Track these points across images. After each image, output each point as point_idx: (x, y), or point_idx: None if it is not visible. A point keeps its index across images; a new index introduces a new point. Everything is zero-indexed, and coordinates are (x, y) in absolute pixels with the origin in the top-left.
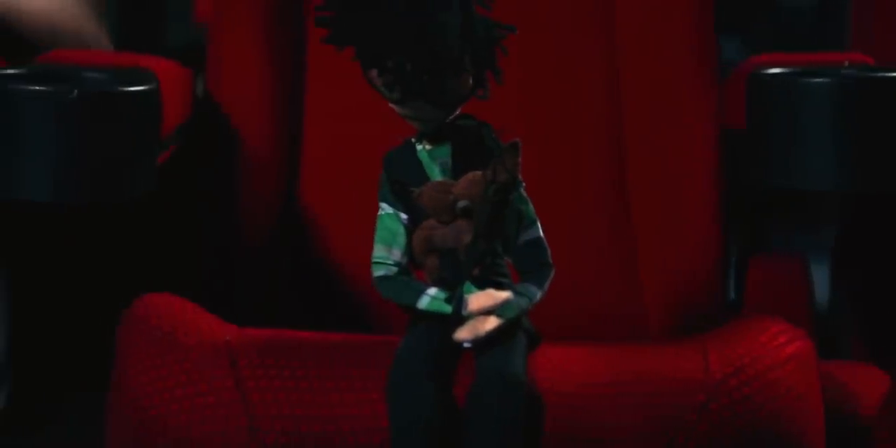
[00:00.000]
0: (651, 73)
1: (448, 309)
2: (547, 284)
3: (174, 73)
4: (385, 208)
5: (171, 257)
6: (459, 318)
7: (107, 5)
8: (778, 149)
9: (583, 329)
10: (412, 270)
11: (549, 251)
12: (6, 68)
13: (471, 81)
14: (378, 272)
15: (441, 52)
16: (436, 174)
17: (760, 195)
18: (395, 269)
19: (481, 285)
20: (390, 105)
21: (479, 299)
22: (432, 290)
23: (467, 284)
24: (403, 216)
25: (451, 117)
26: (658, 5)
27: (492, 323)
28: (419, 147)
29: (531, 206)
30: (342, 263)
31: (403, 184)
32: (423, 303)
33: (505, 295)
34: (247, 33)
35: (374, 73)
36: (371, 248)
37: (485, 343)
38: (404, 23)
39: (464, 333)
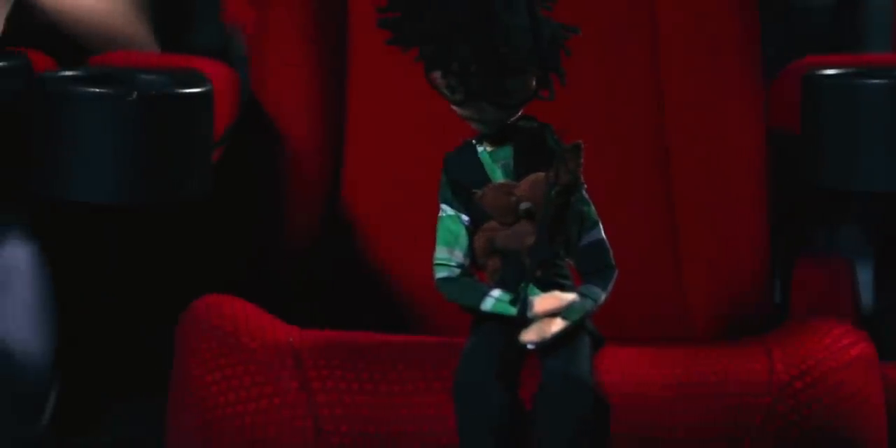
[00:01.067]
0: (695, 74)
1: (513, 311)
2: (611, 286)
3: (222, 75)
4: (446, 210)
5: (216, 259)
6: (525, 319)
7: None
8: (833, 150)
9: (627, 329)
10: (474, 272)
11: (611, 253)
12: (64, 70)
13: (533, 83)
14: (440, 274)
15: (507, 55)
16: (497, 176)
17: (806, 196)
18: (457, 270)
19: (543, 287)
20: (452, 106)
21: (544, 301)
22: (496, 292)
23: (530, 286)
24: (465, 218)
25: (512, 119)
26: (701, 7)
27: (557, 325)
28: (480, 148)
29: (593, 208)
30: (385, 263)
31: (465, 186)
32: (488, 304)
33: (570, 297)
34: (290, 35)
35: (437, 74)
36: (414, 247)
37: (550, 345)
38: (471, 25)
39: (530, 335)
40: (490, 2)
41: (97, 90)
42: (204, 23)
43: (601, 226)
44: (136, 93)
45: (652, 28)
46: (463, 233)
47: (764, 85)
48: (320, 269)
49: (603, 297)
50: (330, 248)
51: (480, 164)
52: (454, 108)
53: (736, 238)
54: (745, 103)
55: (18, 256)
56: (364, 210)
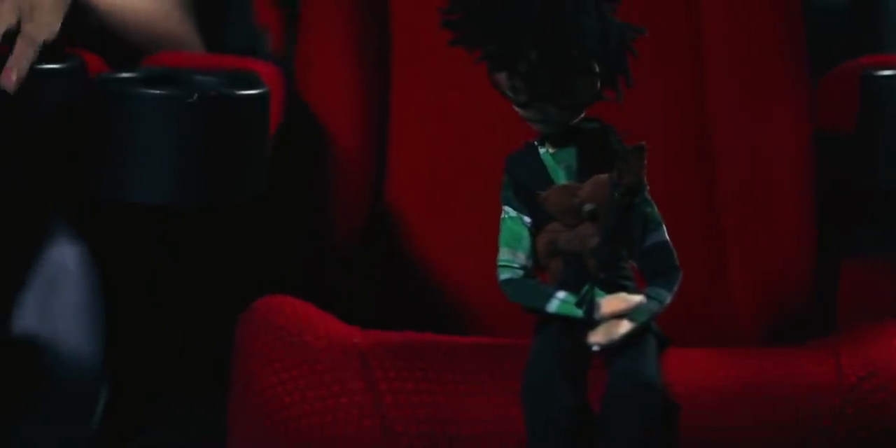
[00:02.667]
0: (739, 75)
1: (579, 313)
2: (676, 288)
3: (270, 75)
4: (509, 212)
5: (261, 259)
6: (591, 321)
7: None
8: (890, 150)
9: (671, 330)
10: (536, 273)
11: (675, 254)
12: (120, 71)
13: (598, 84)
14: (504, 275)
15: (576, 56)
16: (560, 177)
17: (854, 196)
18: (520, 272)
19: (606, 288)
20: (515, 108)
21: (611, 303)
22: (561, 294)
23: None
24: (527, 219)
25: (575, 120)
26: (745, 8)
27: (625, 327)
28: (542, 150)
29: (656, 209)
30: (429, 263)
31: (528, 187)
32: (553, 306)
33: (638, 299)
34: (335, 35)
35: (500, 75)
36: (459, 246)
37: (617, 347)
38: (540, 26)
39: (597, 337)
40: (559, 2)
41: (156, 92)
42: (234, 23)
43: (664, 227)
44: (196, 94)
45: (695, 29)
46: (525, 234)
47: (810, 85)
48: (366, 270)
49: (668, 298)
50: (375, 248)
51: (543, 166)
52: (517, 109)
53: (781, 239)
54: (790, 104)
55: (67, 256)
56: (408, 209)
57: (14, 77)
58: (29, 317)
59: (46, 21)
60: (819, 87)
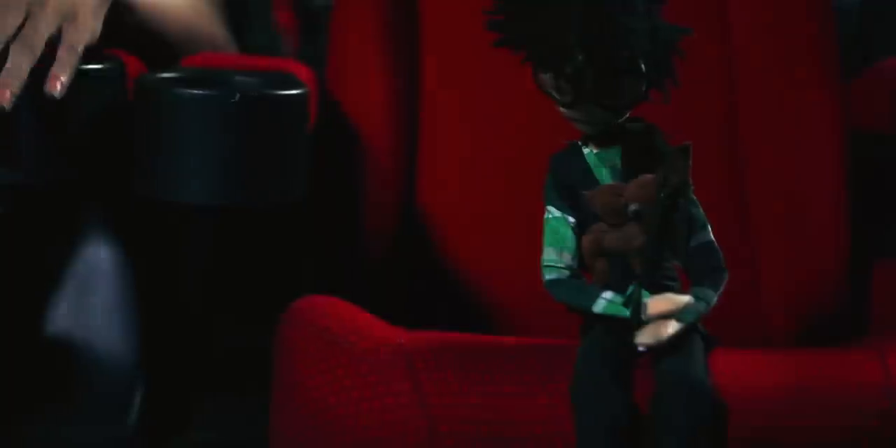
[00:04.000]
0: (771, 75)
1: (626, 313)
2: (722, 288)
3: (305, 75)
4: (553, 212)
5: (294, 260)
6: (638, 321)
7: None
8: None
9: None
10: (581, 273)
11: (721, 255)
12: (160, 72)
13: (643, 85)
14: (549, 275)
15: (624, 58)
16: (605, 177)
17: (887, 197)
18: (566, 272)
19: (651, 288)
20: (559, 108)
21: (658, 303)
22: (608, 294)
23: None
24: (571, 219)
25: (620, 120)
26: (775, 8)
27: (672, 327)
28: (586, 150)
29: (701, 210)
30: (462, 262)
31: (572, 187)
32: (600, 306)
33: (685, 299)
34: (366, 37)
35: (546, 76)
36: (490, 246)
37: (664, 347)
38: (588, 27)
39: (645, 337)
40: (607, 3)
41: (199, 92)
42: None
43: (710, 228)
44: (238, 94)
45: (725, 30)
46: (570, 235)
47: (843, 86)
48: (399, 270)
49: (715, 299)
50: (408, 248)
51: (587, 166)
52: (561, 109)
53: (814, 239)
54: (822, 104)
55: (102, 256)
56: (440, 210)
57: (59, 84)
58: (64, 316)
59: (88, 25)
60: (854, 88)
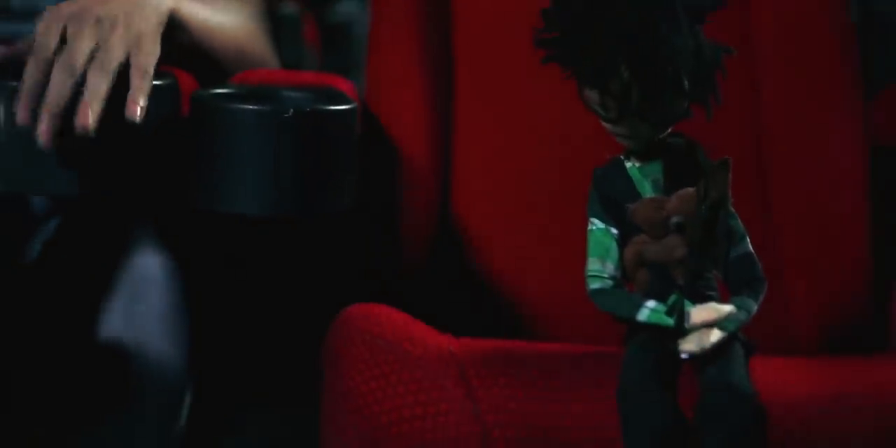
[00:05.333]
0: (794, 91)
1: (669, 321)
2: (761, 298)
3: (348, 90)
4: (596, 223)
5: (334, 270)
6: (682, 330)
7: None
8: None
9: None
10: (624, 283)
11: (760, 266)
12: (214, 88)
13: (686, 101)
14: (594, 285)
15: (670, 76)
16: (647, 191)
17: None
18: (610, 282)
19: (692, 298)
20: (603, 123)
21: (701, 312)
22: (651, 303)
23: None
24: (614, 231)
25: (662, 135)
26: (798, 24)
27: (716, 335)
28: (628, 164)
29: (740, 222)
30: (499, 272)
31: (615, 200)
32: (644, 315)
33: (728, 308)
34: (402, 55)
35: (591, 93)
36: (525, 257)
37: (707, 355)
38: (635, 45)
39: (689, 345)
40: (655, 22)
41: (254, 107)
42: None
43: (748, 239)
44: (291, 109)
45: (748, 46)
46: (613, 246)
47: (865, 102)
48: (438, 279)
49: (755, 308)
50: (446, 257)
51: (630, 180)
52: (605, 124)
53: (838, 252)
54: (845, 121)
55: (151, 266)
56: (475, 221)
57: (139, 108)
58: (115, 324)
59: (152, 49)
60: (877, 103)
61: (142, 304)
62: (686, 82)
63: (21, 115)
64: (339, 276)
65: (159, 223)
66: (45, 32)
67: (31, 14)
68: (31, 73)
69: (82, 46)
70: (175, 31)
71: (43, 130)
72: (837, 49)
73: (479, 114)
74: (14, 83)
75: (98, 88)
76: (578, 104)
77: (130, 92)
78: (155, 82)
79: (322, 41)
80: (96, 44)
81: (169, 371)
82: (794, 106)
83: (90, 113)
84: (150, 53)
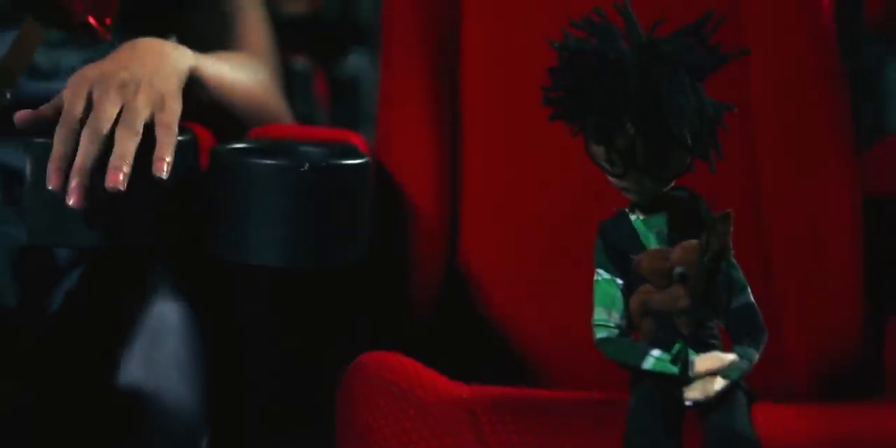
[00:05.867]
0: (789, 143)
1: (674, 369)
2: (762, 347)
3: (361, 144)
4: (602, 274)
5: (341, 316)
6: (686, 378)
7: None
8: None
9: None
10: (629, 332)
11: (761, 316)
12: (232, 143)
13: (689, 157)
14: (600, 334)
15: (675, 133)
16: (651, 242)
17: None
18: (615, 331)
19: (695, 347)
20: (609, 178)
21: (706, 361)
22: (656, 352)
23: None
24: (619, 281)
25: (665, 189)
26: (792, 76)
27: (719, 383)
28: (633, 217)
29: (741, 273)
30: (506, 321)
31: (621, 251)
32: (649, 363)
33: (731, 357)
34: (412, 109)
35: (598, 148)
36: (531, 301)
37: (711, 402)
38: (640, 104)
39: (694, 393)
40: (658, 82)
41: (271, 162)
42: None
43: (749, 290)
44: (307, 164)
45: (745, 100)
46: (619, 295)
47: (857, 154)
48: (446, 326)
49: (756, 357)
50: (453, 306)
51: (635, 232)
52: (611, 179)
53: (832, 298)
54: (838, 171)
55: (169, 313)
56: (482, 269)
57: (165, 165)
58: (134, 368)
59: (174, 107)
60: (870, 155)
61: (160, 350)
62: (689, 139)
63: (53, 180)
64: (351, 324)
65: (178, 272)
66: (72, 98)
67: (57, 73)
68: (60, 139)
69: (109, 110)
70: (194, 87)
71: (74, 191)
72: (831, 104)
73: (486, 165)
74: (41, 140)
75: (126, 150)
76: (583, 157)
77: (157, 149)
78: (178, 138)
79: (332, 95)
80: (122, 106)
81: (186, 416)
82: (789, 159)
83: (120, 174)
84: (173, 112)
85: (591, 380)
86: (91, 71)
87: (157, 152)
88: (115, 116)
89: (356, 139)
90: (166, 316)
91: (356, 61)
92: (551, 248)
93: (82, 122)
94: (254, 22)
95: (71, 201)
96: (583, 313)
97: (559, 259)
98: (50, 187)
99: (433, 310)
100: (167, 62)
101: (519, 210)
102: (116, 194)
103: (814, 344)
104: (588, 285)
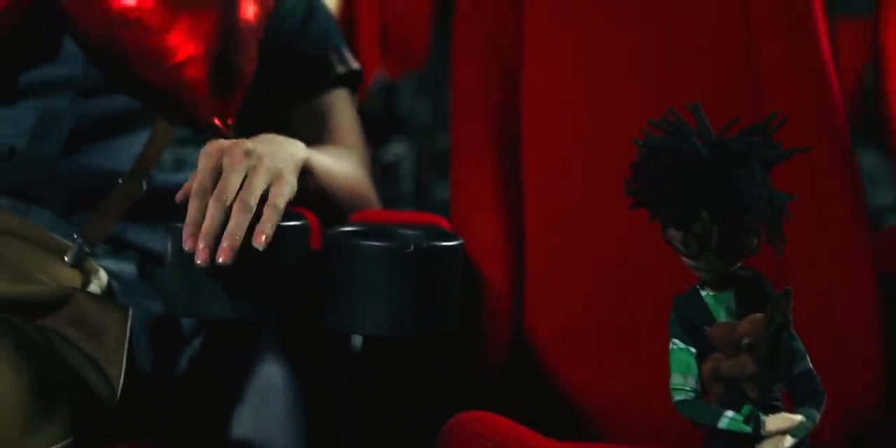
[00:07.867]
0: (805, 227)
1: (747, 429)
2: (823, 409)
3: (447, 227)
4: (677, 343)
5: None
6: (759, 436)
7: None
8: None
9: None
10: (702, 395)
11: (819, 380)
12: (342, 226)
13: (756, 240)
14: (678, 397)
15: (747, 221)
16: (721, 315)
17: None
18: (692, 394)
19: (762, 408)
20: (683, 258)
21: (776, 420)
22: (730, 413)
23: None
24: (693, 350)
25: (733, 268)
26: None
27: (788, 441)
28: (703, 292)
29: (801, 343)
30: (567, 383)
31: (694, 323)
32: (724, 423)
33: (799, 418)
34: (482, 192)
35: (675, 232)
36: (594, 369)
37: None
38: (717, 195)
39: None
40: (733, 175)
41: (380, 244)
42: None
43: (808, 357)
44: (412, 246)
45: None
46: (693, 362)
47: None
48: (512, 389)
49: (818, 417)
50: (518, 371)
51: (706, 306)
52: (685, 259)
53: (853, 372)
54: (855, 250)
55: (275, 374)
56: (545, 334)
57: (264, 238)
58: (244, 425)
59: (290, 184)
60: (883, 237)
61: (266, 409)
62: (758, 224)
63: (188, 243)
64: (440, 387)
65: (281, 337)
66: (205, 167)
67: (183, 167)
68: (194, 206)
69: (233, 179)
70: (304, 176)
71: (200, 252)
72: (849, 189)
73: (546, 242)
74: (179, 225)
75: (238, 225)
76: (640, 238)
77: (259, 223)
78: (295, 222)
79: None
80: (245, 175)
81: None
82: (809, 241)
83: (227, 248)
84: (285, 191)
85: (670, 435)
86: (221, 143)
87: (259, 226)
88: (237, 187)
89: (444, 222)
90: (272, 377)
91: (396, 147)
92: (610, 319)
93: (213, 191)
94: (346, 118)
95: (197, 261)
96: (658, 375)
97: (625, 327)
98: (185, 248)
99: (502, 378)
100: (286, 148)
101: (580, 286)
102: (238, 269)
103: (838, 416)
104: (647, 353)
